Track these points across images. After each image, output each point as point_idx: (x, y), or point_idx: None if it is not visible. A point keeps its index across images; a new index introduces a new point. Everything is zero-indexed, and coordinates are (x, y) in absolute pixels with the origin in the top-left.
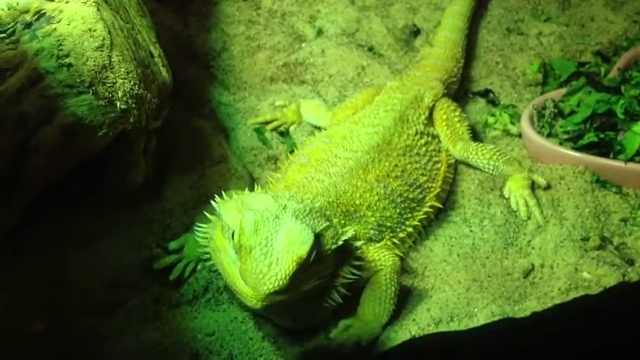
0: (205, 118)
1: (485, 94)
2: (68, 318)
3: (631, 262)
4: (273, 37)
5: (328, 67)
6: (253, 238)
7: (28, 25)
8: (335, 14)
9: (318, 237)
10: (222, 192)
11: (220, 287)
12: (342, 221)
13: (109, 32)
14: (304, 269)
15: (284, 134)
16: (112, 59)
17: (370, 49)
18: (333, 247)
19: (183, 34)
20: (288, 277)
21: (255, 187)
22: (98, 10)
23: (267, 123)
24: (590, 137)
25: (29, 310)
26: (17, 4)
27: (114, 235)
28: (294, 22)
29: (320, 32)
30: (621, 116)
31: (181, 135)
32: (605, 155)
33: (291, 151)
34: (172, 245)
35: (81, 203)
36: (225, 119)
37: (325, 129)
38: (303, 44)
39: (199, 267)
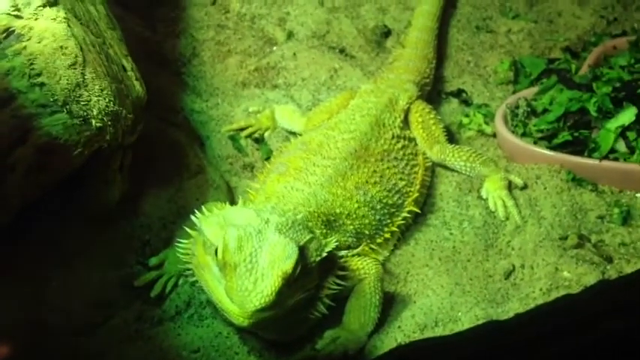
0: (178, 127)
1: (458, 94)
2: (50, 338)
3: (609, 260)
4: (244, 42)
5: (300, 70)
6: (237, 255)
7: None
8: (304, 16)
9: (302, 250)
10: (202, 205)
11: (203, 302)
12: (324, 231)
13: (81, 49)
14: (290, 284)
15: (259, 141)
16: (86, 77)
17: (341, 51)
18: (318, 259)
19: (152, 41)
20: (274, 294)
21: (240, 200)
22: (69, 26)
23: (241, 130)
24: (565, 136)
25: (9, 330)
26: None
27: (93, 253)
28: (264, 25)
29: (290, 35)
30: (594, 114)
31: (156, 146)
32: (580, 153)
33: (267, 158)
34: (152, 261)
35: (58, 222)
36: (199, 127)
37: (300, 134)
38: (274, 48)
39: (181, 282)
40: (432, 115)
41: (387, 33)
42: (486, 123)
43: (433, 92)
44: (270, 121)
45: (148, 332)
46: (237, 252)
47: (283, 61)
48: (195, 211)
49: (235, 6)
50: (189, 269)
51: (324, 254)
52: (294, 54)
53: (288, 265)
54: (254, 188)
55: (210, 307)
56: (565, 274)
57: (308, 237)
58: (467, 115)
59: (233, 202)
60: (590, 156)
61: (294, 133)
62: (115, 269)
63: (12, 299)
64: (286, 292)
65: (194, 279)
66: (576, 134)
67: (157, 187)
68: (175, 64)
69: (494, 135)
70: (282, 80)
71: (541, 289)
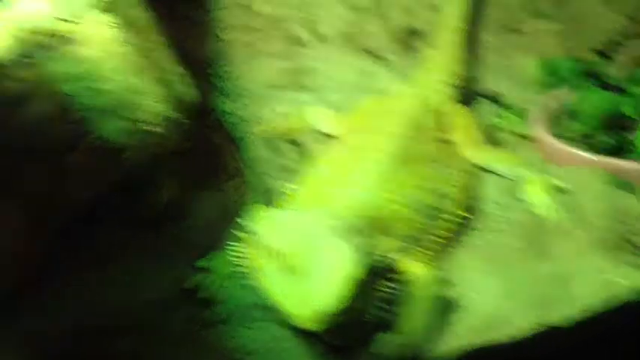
0: (212, 129)
1: (489, 95)
2: (101, 340)
3: None
4: (271, 43)
5: (329, 72)
6: (304, 260)
7: (48, 49)
8: (332, 17)
9: (363, 255)
10: (244, 207)
11: (253, 304)
12: (376, 235)
13: (135, 54)
14: (357, 288)
15: (292, 143)
16: (140, 82)
17: (370, 53)
18: (376, 263)
19: (176, 41)
20: (347, 299)
21: (286, 203)
22: (121, 31)
23: (274, 131)
24: (602, 138)
25: (63, 333)
26: (35, 27)
27: (143, 256)
28: (291, 26)
29: (318, 36)
30: (632, 116)
31: (196, 149)
32: (619, 155)
33: (302, 160)
34: (201, 263)
35: (109, 225)
36: (232, 129)
37: (336, 137)
38: (302, 49)
39: (230, 284)
40: (468, 117)
41: (415, 34)
42: (520, 124)
43: (464, 94)
44: (302, 122)
45: (198, 335)
46: (304, 256)
47: (312, 62)
48: (245, 213)
49: (261, 7)
50: (239, 271)
51: (381, 258)
52: (323, 55)
53: (356, 269)
54: (293, 190)
55: (259, 309)
56: (615, 278)
57: (365, 241)
58: (500, 117)
59: (272, 205)
60: (629, 158)
61: (327, 135)
62: (165, 272)
63: (59, 303)
64: (355, 297)
65: (244, 281)
66: (614, 136)
67: (199, 190)
68: (201, 65)
69: (527, 137)
70: (311, 82)
71: (591, 294)
